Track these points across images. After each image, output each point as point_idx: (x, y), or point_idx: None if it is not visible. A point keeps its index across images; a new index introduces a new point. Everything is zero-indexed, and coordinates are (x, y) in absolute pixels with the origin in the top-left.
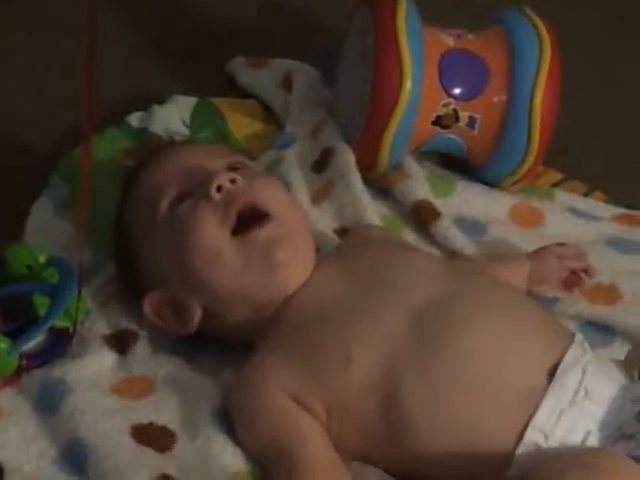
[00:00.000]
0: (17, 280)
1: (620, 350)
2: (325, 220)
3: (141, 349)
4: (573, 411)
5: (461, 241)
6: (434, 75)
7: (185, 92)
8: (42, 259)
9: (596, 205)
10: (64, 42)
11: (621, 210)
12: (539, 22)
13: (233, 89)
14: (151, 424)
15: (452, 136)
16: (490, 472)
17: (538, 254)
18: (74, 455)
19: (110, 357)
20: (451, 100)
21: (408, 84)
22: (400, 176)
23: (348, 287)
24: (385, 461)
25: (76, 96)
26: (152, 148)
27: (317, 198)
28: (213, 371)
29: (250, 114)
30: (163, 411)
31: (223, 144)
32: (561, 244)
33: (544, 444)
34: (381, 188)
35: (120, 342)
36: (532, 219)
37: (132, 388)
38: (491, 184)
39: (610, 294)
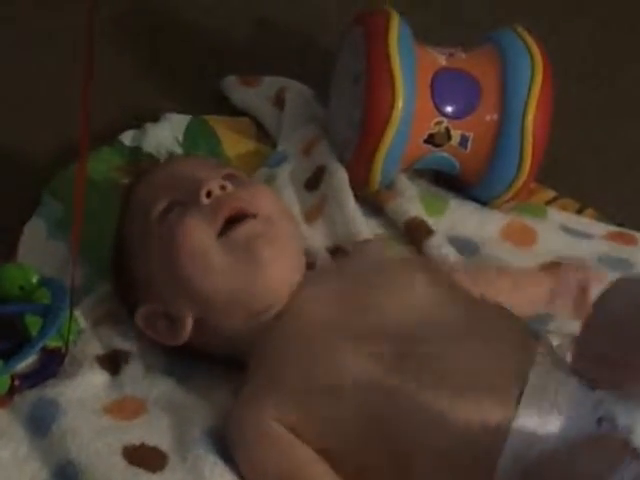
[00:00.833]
0: (9, 300)
1: None
2: (318, 238)
3: (133, 369)
4: (550, 412)
5: (454, 258)
6: (426, 94)
7: (178, 110)
8: (34, 279)
9: (588, 223)
10: (56, 61)
11: (613, 228)
12: (531, 41)
13: (226, 107)
14: (143, 445)
15: (444, 154)
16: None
17: (553, 271)
18: (66, 476)
19: (102, 377)
20: (443, 119)
21: (400, 103)
22: (393, 194)
23: (341, 309)
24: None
25: (68, 115)
26: (148, 165)
27: (310, 216)
28: (205, 392)
29: (243, 132)
30: (155, 432)
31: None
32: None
33: (523, 449)
34: (374, 206)
35: (112, 362)
36: (525, 237)
37: (124, 409)
38: (484, 202)
39: None
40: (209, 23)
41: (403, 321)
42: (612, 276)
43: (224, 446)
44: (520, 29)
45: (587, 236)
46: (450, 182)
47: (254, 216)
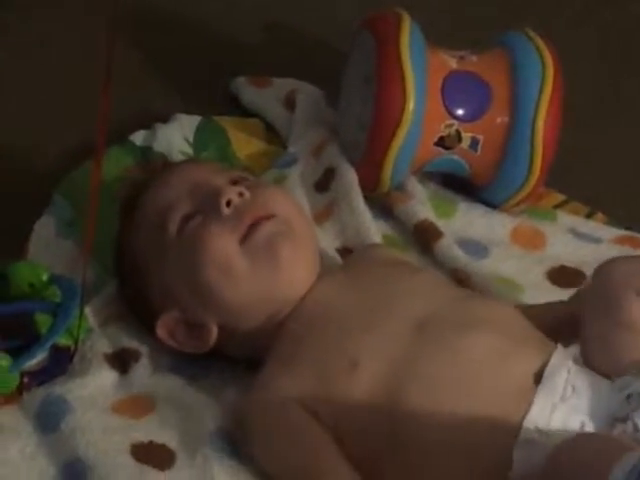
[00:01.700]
0: (19, 298)
1: None
2: (327, 239)
3: (142, 368)
4: (564, 406)
5: (463, 261)
6: (437, 96)
7: (188, 111)
8: (44, 277)
9: (597, 227)
10: (69, 61)
11: (622, 232)
12: (542, 44)
13: (236, 108)
14: (151, 443)
15: (455, 157)
16: (490, 474)
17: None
18: (74, 473)
19: (111, 376)
20: (454, 121)
21: (411, 105)
22: (402, 196)
23: (354, 299)
24: (391, 469)
25: (79, 115)
26: (148, 171)
27: (319, 217)
28: (213, 390)
29: (253, 133)
30: (163, 430)
31: (226, 162)
32: None
33: (540, 440)
34: (383, 208)
35: (121, 361)
36: (534, 240)
37: (132, 407)
38: (493, 205)
39: None
40: (220, 24)
41: (418, 309)
42: None
43: (233, 444)
44: (531, 32)
45: (596, 240)
46: (460, 185)
47: (273, 217)
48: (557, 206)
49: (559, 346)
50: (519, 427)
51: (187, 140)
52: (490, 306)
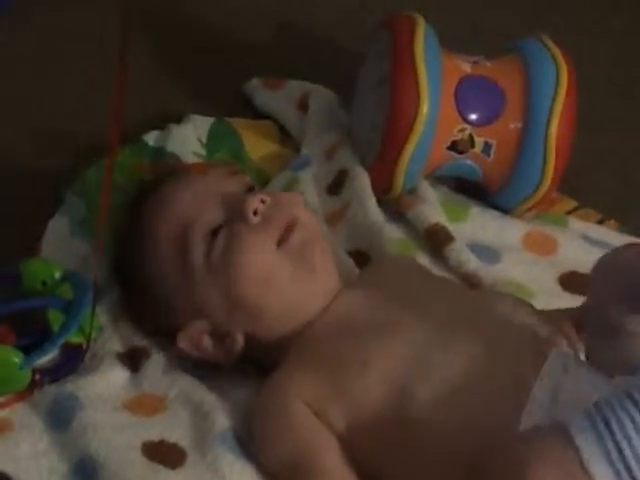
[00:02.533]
0: (32, 295)
1: None
2: (339, 241)
3: (153, 366)
4: (566, 397)
5: (474, 265)
6: (450, 100)
7: (202, 112)
8: (57, 275)
9: (610, 233)
10: (84, 58)
11: (634, 239)
12: (557, 50)
13: (250, 109)
14: (162, 441)
15: (467, 161)
16: None
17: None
18: (85, 471)
19: (122, 374)
20: (467, 126)
21: (425, 108)
22: (415, 200)
23: (371, 308)
24: (400, 472)
25: (94, 113)
26: (158, 175)
27: (332, 220)
28: (225, 389)
29: (266, 135)
30: (174, 429)
31: (239, 165)
32: None
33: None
34: (395, 211)
35: (132, 359)
36: (546, 246)
37: (144, 405)
38: (505, 210)
39: None
40: (234, 25)
41: (433, 315)
42: None
43: (244, 444)
44: (545, 39)
45: (608, 246)
46: (472, 189)
47: (298, 222)
48: (569, 212)
49: (556, 347)
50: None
51: (200, 141)
52: (509, 313)
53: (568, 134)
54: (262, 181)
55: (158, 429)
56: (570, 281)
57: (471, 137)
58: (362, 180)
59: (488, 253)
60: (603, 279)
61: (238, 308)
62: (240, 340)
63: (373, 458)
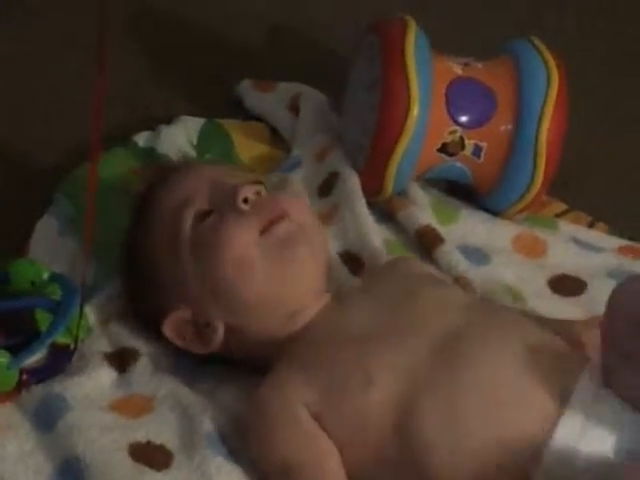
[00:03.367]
0: (20, 295)
1: None
2: (329, 243)
3: (141, 368)
4: (587, 438)
5: (464, 267)
6: (441, 102)
7: (192, 113)
8: (45, 275)
9: (599, 236)
10: (70, 59)
11: (624, 242)
12: (547, 53)
13: (241, 111)
14: (149, 443)
15: (458, 164)
16: None
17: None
18: (71, 471)
19: (110, 375)
20: (457, 128)
21: (415, 110)
22: (405, 202)
23: (373, 312)
24: None
25: (81, 113)
26: (164, 169)
27: (321, 221)
28: (213, 392)
29: (257, 136)
30: (161, 430)
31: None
32: None
33: (559, 468)
34: (385, 213)
35: (120, 360)
36: (535, 248)
37: (131, 406)
38: (495, 212)
39: None
40: (225, 27)
41: (440, 328)
42: None
43: (232, 446)
44: (536, 40)
45: (598, 249)
46: (462, 191)
47: (288, 218)
48: (559, 215)
49: (586, 369)
50: (540, 454)
51: (191, 142)
52: (513, 323)
53: (559, 137)
54: None
55: (145, 430)
56: (560, 283)
57: (462, 139)
58: (352, 182)
59: (478, 255)
60: (618, 310)
61: (215, 294)
62: (220, 330)
63: (369, 474)
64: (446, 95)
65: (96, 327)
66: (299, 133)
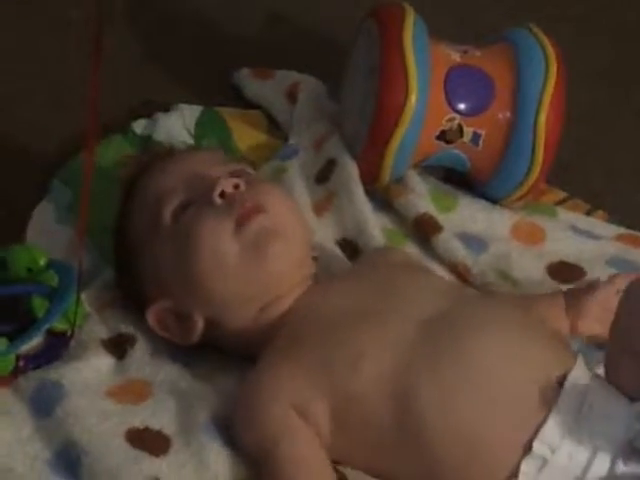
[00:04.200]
0: (17, 281)
1: None
2: (327, 231)
3: (139, 354)
4: (580, 426)
5: (462, 254)
6: (439, 89)
7: (190, 101)
8: (42, 262)
9: (598, 224)
10: (68, 46)
11: (623, 230)
12: (546, 41)
13: (238, 99)
14: (147, 429)
15: (456, 151)
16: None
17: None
18: (68, 457)
19: (107, 361)
20: (456, 115)
21: (413, 98)
22: (403, 190)
23: (363, 299)
24: (389, 470)
25: (79, 101)
26: (151, 156)
27: (319, 209)
28: (211, 377)
29: (254, 124)
30: (159, 416)
31: (226, 154)
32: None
33: (550, 458)
34: (383, 201)
35: (118, 346)
36: (534, 236)
37: (128, 392)
38: (494, 200)
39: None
40: (224, 15)
41: (427, 308)
42: None
43: (229, 432)
44: (535, 28)
45: (596, 237)
46: (460, 179)
47: (263, 212)
48: (558, 203)
49: (579, 357)
50: (531, 440)
51: (188, 130)
52: (504, 308)
53: (557, 124)
54: None
55: (143, 416)
56: (558, 270)
57: (460, 127)
58: (350, 169)
59: (477, 243)
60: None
61: (192, 287)
62: (200, 323)
63: (361, 456)
64: (444, 82)
65: (93, 313)
66: (297, 121)
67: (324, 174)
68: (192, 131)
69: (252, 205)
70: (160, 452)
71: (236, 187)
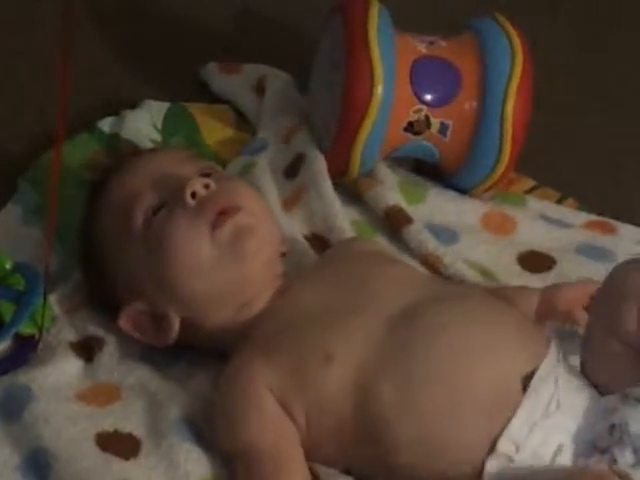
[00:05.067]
0: None
1: None
2: (295, 226)
3: (107, 356)
4: (545, 423)
5: (433, 245)
6: (405, 81)
7: (157, 97)
8: (8, 265)
9: (568, 212)
10: (34, 44)
11: (593, 217)
12: (511, 30)
13: (206, 94)
14: (116, 432)
15: (424, 142)
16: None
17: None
18: (37, 463)
19: (76, 364)
20: (423, 106)
21: (379, 90)
22: (372, 182)
23: (331, 294)
24: (359, 465)
25: (45, 100)
26: (118, 156)
27: (288, 204)
28: (181, 379)
29: (222, 119)
30: (129, 418)
31: (194, 149)
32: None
33: (515, 456)
34: (353, 194)
35: (86, 349)
36: (504, 226)
37: (98, 395)
38: (463, 191)
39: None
40: (190, 9)
41: (394, 303)
42: (591, 265)
43: (199, 432)
44: (500, 17)
45: (566, 225)
46: (430, 170)
47: (238, 210)
48: (528, 191)
49: (550, 351)
50: (496, 437)
51: (155, 126)
52: (472, 299)
53: (524, 113)
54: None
55: (112, 419)
56: (529, 260)
57: (427, 118)
58: (318, 163)
59: (447, 234)
60: (634, 294)
61: (168, 290)
62: (175, 324)
63: (332, 452)
64: (410, 74)
65: (61, 316)
66: (264, 115)
67: (293, 169)
68: (159, 127)
69: (225, 206)
70: (130, 455)
71: (206, 187)
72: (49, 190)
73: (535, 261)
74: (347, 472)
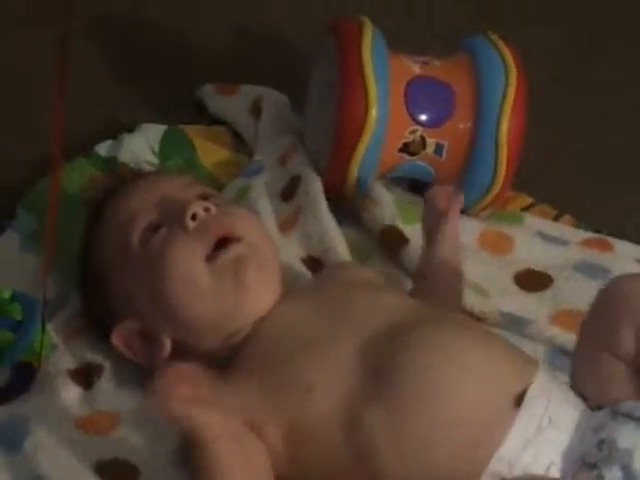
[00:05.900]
0: None
1: None
2: (292, 249)
3: (106, 383)
4: (538, 440)
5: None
6: (400, 102)
7: (155, 120)
8: (6, 295)
9: (565, 229)
10: (30, 71)
11: (590, 235)
12: (505, 49)
13: (203, 116)
14: (115, 459)
15: (420, 163)
16: None
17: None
18: None
19: (75, 392)
20: (418, 127)
21: (374, 112)
22: (368, 203)
23: (314, 320)
24: None
25: (43, 126)
26: (117, 179)
27: (285, 226)
28: None
29: (219, 141)
30: (127, 446)
31: (191, 172)
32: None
33: (508, 474)
34: (349, 214)
35: (85, 376)
36: (501, 244)
37: (96, 423)
38: (460, 210)
39: (579, 320)
40: (186, 32)
41: (378, 329)
42: (588, 283)
43: None
44: (494, 37)
45: (564, 243)
46: (426, 190)
47: (239, 239)
48: (525, 209)
49: (541, 369)
50: (490, 456)
51: (152, 149)
52: (459, 323)
53: (519, 132)
54: (215, 188)
55: (111, 447)
56: (525, 279)
57: (422, 138)
58: (315, 186)
59: None
60: (628, 313)
61: (163, 311)
62: (167, 345)
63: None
64: (405, 95)
65: (60, 343)
66: (261, 137)
67: (289, 191)
68: (156, 150)
69: (225, 231)
70: None
71: (207, 210)
72: (47, 217)
73: (532, 280)
74: None
